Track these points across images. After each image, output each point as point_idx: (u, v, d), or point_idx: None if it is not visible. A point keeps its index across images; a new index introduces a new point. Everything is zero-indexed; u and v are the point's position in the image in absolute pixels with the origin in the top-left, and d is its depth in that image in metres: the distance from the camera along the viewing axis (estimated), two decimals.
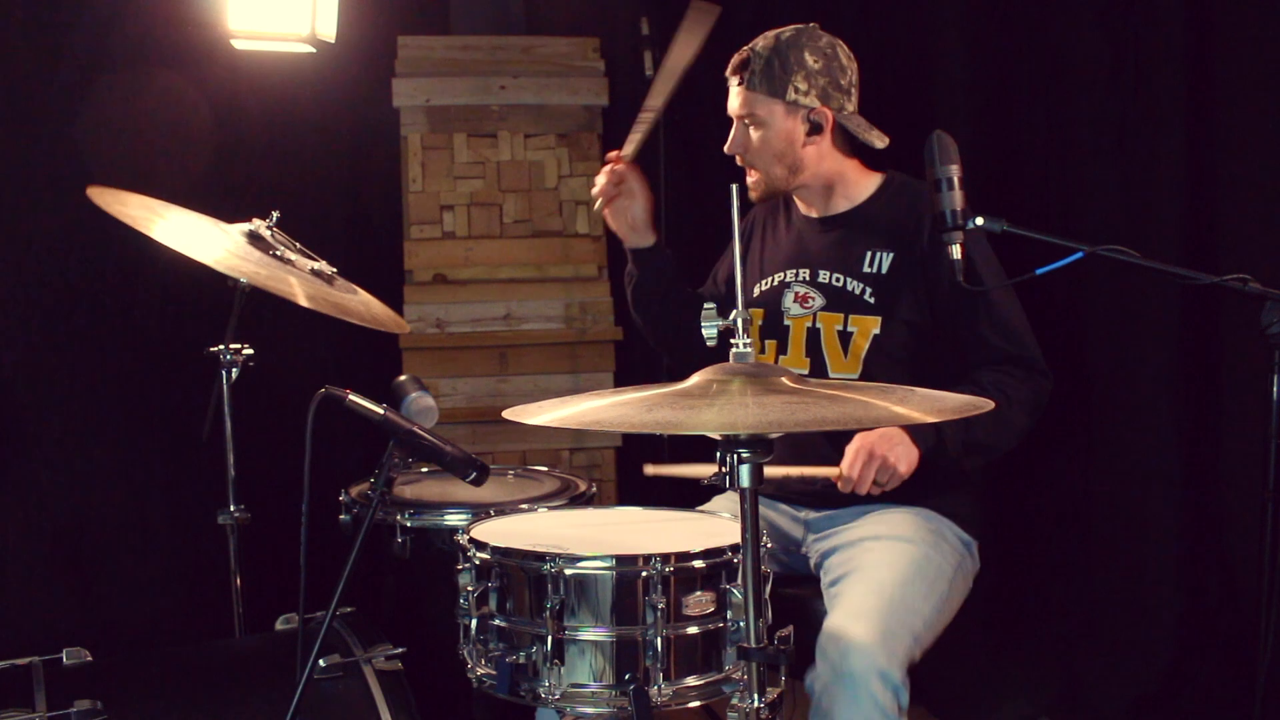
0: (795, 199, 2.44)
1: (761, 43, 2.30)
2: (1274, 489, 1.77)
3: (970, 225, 1.93)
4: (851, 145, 2.37)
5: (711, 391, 1.53)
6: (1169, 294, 2.68)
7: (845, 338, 2.29)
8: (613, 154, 2.44)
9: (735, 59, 2.33)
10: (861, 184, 2.37)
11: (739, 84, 2.32)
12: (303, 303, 2.12)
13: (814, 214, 2.40)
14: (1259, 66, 2.49)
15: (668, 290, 2.52)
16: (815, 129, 2.29)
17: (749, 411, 1.45)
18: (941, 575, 2.16)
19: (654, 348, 2.66)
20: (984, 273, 2.21)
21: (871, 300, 2.28)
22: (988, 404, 1.57)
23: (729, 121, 2.37)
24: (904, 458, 2.10)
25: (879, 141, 2.33)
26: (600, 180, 2.44)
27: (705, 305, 1.69)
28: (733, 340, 1.63)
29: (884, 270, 2.28)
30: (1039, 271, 1.91)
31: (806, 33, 2.29)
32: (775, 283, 2.41)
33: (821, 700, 1.96)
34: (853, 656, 1.93)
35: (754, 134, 2.32)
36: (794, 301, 2.36)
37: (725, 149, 2.37)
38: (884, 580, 2.08)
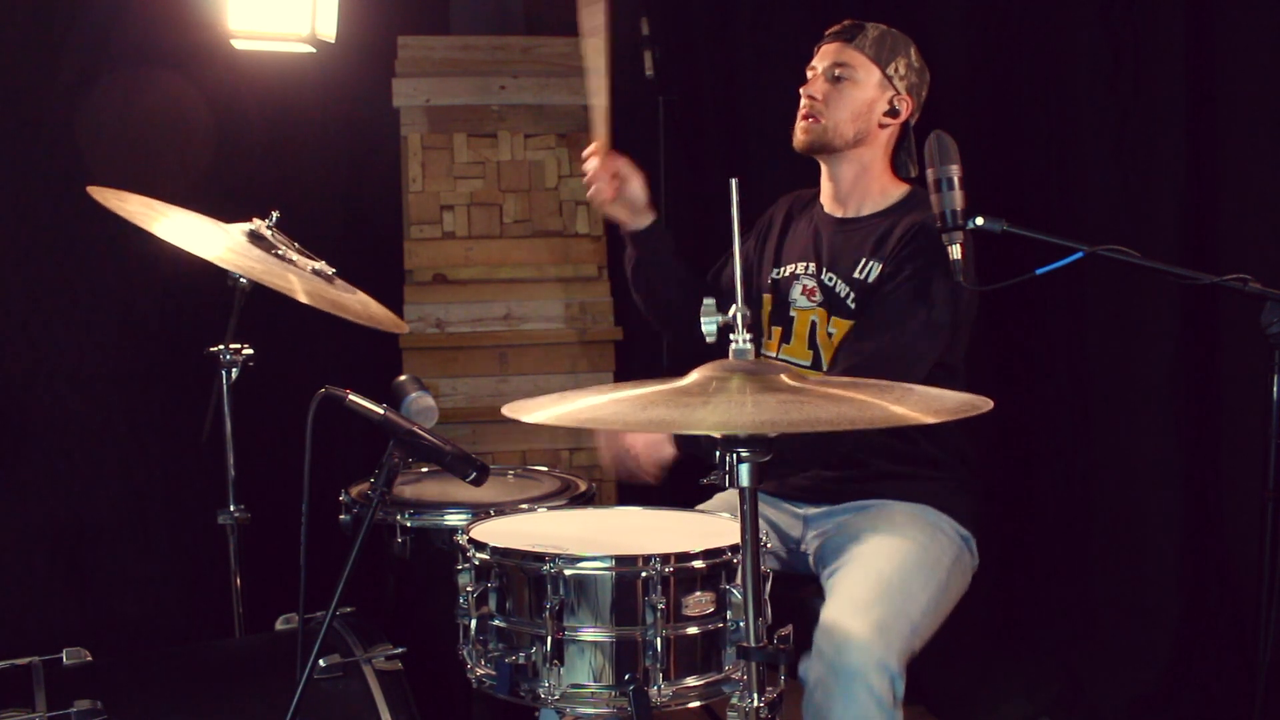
0: (822, 197, 2.45)
1: (870, 24, 2.35)
2: (1274, 489, 1.77)
3: (970, 225, 1.93)
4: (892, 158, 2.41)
5: (710, 389, 1.52)
6: (1169, 294, 2.68)
7: (829, 337, 2.32)
8: (592, 147, 2.40)
9: (846, 22, 2.37)
10: (887, 192, 2.39)
11: (843, 42, 2.35)
12: (302, 299, 2.12)
13: (837, 214, 2.42)
14: (1259, 66, 2.49)
15: (667, 266, 2.51)
16: (893, 114, 2.34)
17: (745, 411, 1.44)
18: (939, 564, 2.17)
19: (654, 327, 2.65)
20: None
21: (852, 305, 2.30)
22: (987, 403, 1.57)
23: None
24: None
25: (913, 168, 2.39)
26: (591, 168, 2.40)
27: (705, 301, 1.68)
28: (732, 336, 1.62)
29: (870, 279, 2.29)
30: (1039, 271, 1.91)
31: (908, 40, 2.37)
32: (787, 273, 2.44)
33: (815, 692, 1.96)
34: (850, 652, 1.93)
35: (840, 86, 2.33)
36: (801, 294, 2.39)
37: (803, 90, 2.36)
38: (881, 569, 2.09)
